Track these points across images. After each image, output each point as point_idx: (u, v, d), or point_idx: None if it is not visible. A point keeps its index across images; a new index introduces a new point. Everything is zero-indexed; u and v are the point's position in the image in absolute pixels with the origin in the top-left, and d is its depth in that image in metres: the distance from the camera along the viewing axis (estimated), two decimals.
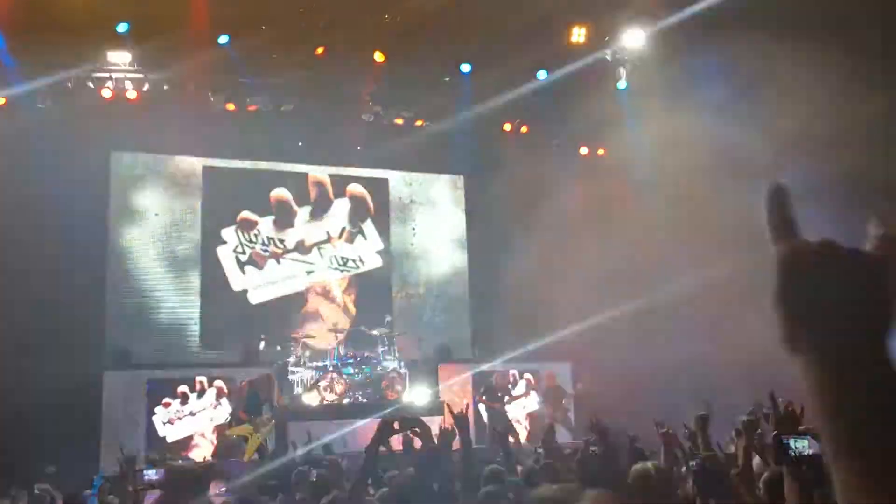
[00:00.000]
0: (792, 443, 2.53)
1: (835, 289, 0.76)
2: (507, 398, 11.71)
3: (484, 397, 11.67)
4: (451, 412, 4.50)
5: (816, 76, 9.47)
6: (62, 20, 10.51)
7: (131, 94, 12.22)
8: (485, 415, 11.70)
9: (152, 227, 12.84)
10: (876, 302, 0.76)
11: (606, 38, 12.56)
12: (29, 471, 7.66)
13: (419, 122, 14.00)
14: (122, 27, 11.35)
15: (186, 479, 4.75)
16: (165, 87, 12.42)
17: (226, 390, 11.06)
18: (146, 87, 12.34)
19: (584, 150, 14.94)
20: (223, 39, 11.92)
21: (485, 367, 12.88)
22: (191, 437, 11.01)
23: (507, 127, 14.47)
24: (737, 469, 3.67)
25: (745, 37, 10.11)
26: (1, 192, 10.79)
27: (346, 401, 11.40)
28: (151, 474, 5.34)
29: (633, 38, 12.64)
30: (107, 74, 12.04)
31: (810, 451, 2.51)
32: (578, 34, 12.52)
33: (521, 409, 12.32)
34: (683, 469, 4.34)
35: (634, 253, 12.69)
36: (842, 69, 9.04)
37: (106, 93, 12.07)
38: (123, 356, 11.44)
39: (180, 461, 8.55)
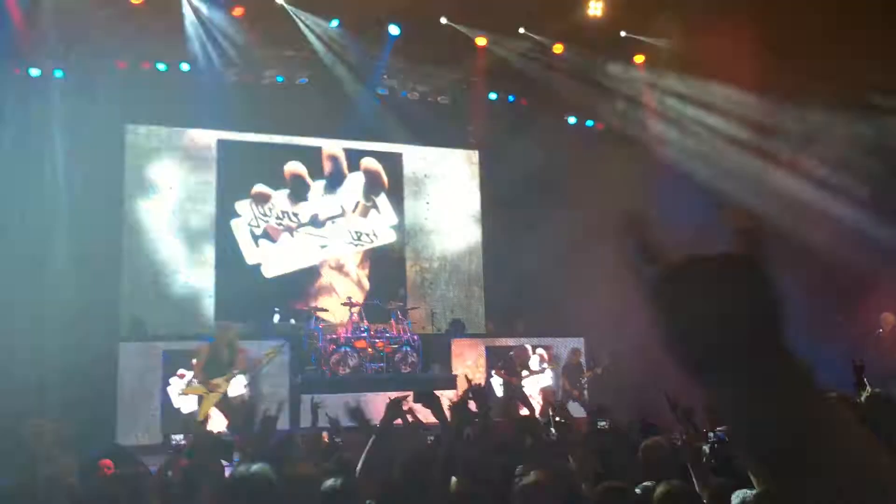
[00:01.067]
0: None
1: (715, 303, 0.73)
2: (525, 373, 11.71)
3: (503, 371, 11.67)
4: (470, 384, 4.50)
5: None
6: None
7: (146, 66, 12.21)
8: (499, 389, 11.73)
9: (167, 200, 12.87)
10: (761, 302, 0.73)
11: (623, 13, 12.38)
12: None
13: (434, 96, 13.92)
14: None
15: (215, 446, 4.80)
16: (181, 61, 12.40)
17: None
18: (163, 59, 12.33)
19: (599, 126, 14.84)
20: (238, 12, 11.88)
21: (498, 342, 12.91)
22: None
23: (523, 101, 14.36)
24: None
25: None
26: (16, 164, 10.84)
27: (359, 374, 11.46)
28: (179, 439, 5.39)
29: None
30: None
31: None
32: (595, 7, 12.37)
33: (535, 383, 12.33)
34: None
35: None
36: None
37: (121, 64, 12.05)
38: (139, 328, 11.52)
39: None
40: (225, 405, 9.19)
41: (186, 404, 10.37)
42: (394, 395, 4.71)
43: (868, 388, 4.22)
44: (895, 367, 9.75)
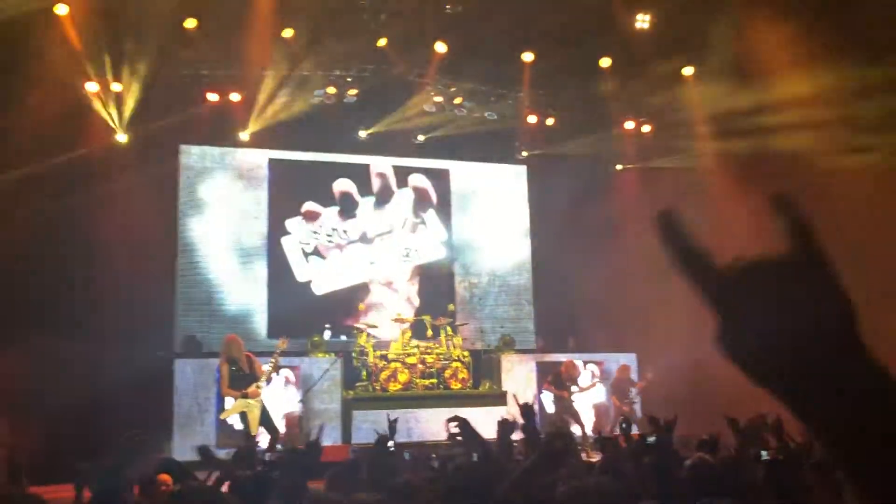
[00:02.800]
0: None
1: (780, 306, 0.69)
2: (574, 388, 11.60)
3: (552, 385, 11.59)
4: (517, 402, 4.48)
5: None
6: (131, 15, 10.79)
7: (212, 96, 12.52)
8: (550, 405, 11.64)
9: (220, 218, 13.10)
10: (824, 300, 0.69)
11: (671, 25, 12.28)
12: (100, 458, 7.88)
13: (481, 112, 13.96)
14: (190, 23, 11.57)
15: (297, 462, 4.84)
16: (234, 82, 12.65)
17: (292, 379, 11.24)
18: (216, 82, 12.60)
19: (648, 136, 14.71)
20: (287, 33, 12.07)
21: (548, 357, 12.83)
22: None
23: (569, 116, 14.31)
24: (813, 460, 3.58)
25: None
26: (75, 188, 11.14)
27: (409, 390, 11.49)
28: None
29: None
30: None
31: None
32: (643, 20, 12.30)
33: (587, 399, 12.22)
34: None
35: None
36: None
37: (176, 87, 12.32)
38: (193, 344, 11.72)
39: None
40: (265, 421, 9.22)
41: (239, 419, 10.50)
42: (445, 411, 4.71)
43: None
44: None
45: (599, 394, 12.53)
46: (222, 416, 9.84)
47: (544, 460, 4.16)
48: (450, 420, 3.75)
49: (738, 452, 4.57)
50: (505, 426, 4.94)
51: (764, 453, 3.77)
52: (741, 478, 4.00)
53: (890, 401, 0.67)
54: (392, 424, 5.12)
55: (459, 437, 3.76)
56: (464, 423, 3.57)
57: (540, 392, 12.16)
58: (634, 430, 10.65)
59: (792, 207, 0.72)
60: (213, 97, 12.57)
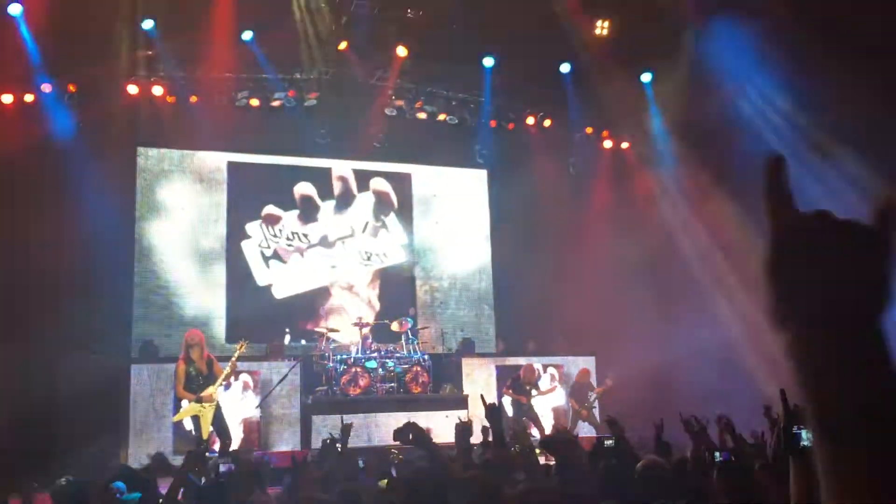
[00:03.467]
0: (804, 433, 2.50)
1: (828, 262, 0.73)
2: (534, 392, 11.67)
3: (511, 390, 11.64)
4: (485, 403, 4.49)
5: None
6: (88, 17, 10.64)
7: (157, 90, 12.31)
8: (510, 408, 11.69)
9: (178, 222, 12.96)
10: (870, 277, 0.73)
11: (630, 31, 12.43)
12: (54, 464, 7.73)
13: (442, 117, 14.00)
14: (147, 24, 11.45)
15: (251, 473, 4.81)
16: (190, 85, 12.53)
17: (251, 384, 11.14)
18: (171, 83, 12.46)
19: (607, 144, 14.87)
20: (247, 36, 12.01)
21: (509, 361, 12.88)
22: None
23: (531, 121, 14.42)
24: (762, 462, 3.64)
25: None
26: (30, 188, 10.95)
27: (369, 394, 11.45)
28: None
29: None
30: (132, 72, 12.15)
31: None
32: (602, 27, 12.45)
33: (546, 403, 12.30)
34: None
35: (659, 244, 12.64)
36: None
37: (132, 89, 12.17)
38: (151, 349, 11.56)
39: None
40: (218, 421, 9.09)
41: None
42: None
43: None
44: None
45: (559, 397, 12.61)
46: (174, 419, 9.68)
47: (499, 463, 4.20)
48: (398, 431, 3.75)
49: (692, 454, 4.64)
50: (462, 430, 4.97)
51: (717, 455, 3.83)
52: (694, 479, 4.06)
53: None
54: (346, 428, 5.09)
55: (408, 444, 3.77)
56: (415, 430, 3.58)
57: (500, 396, 12.20)
58: (592, 433, 10.78)
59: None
60: (171, 99, 12.42)
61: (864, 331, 0.72)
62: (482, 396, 4.87)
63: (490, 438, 5.16)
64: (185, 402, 9.15)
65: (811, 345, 0.73)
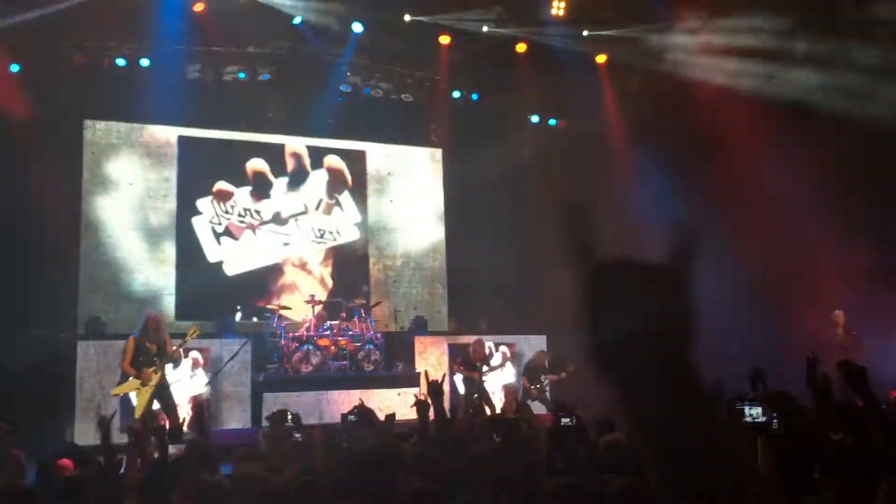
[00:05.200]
0: (747, 409, 2.58)
1: (631, 303, 0.78)
2: (484, 368, 11.71)
3: (462, 367, 11.69)
4: (427, 381, 4.53)
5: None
6: None
7: (105, 61, 12.02)
8: (461, 386, 11.75)
9: (126, 197, 12.72)
10: (673, 310, 0.78)
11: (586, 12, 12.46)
12: None
13: (397, 94, 13.91)
14: None
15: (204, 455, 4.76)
16: (141, 56, 12.27)
17: (201, 361, 11.02)
18: (121, 54, 12.18)
19: (561, 124, 14.95)
20: (199, 7, 11.76)
21: (461, 339, 12.94)
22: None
23: (486, 100, 14.41)
24: None
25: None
26: None
27: (322, 372, 11.43)
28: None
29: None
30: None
31: (763, 419, 2.56)
32: (558, 7, 12.45)
33: (497, 380, 12.39)
34: None
35: (611, 224, 12.76)
36: None
37: (80, 60, 11.87)
38: (98, 326, 11.36)
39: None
40: (165, 400, 8.95)
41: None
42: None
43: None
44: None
45: (508, 374, 12.71)
46: (113, 392, 9.46)
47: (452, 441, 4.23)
48: (348, 413, 3.76)
49: None
50: (421, 406, 5.00)
51: None
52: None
53: (697, 406, 0.76)
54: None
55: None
56: (361, 409, 3.59)
57: (452, 373, 12.27)
58: (543, 411, 10.89)
59: (685, 232, 0.81)
60: (119, 71, 12.14)
61: (673, 360, 0.77)
62: (426, 373, 4.91)
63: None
64: (131, 380, 8.99)
65: (628, 387, 0.78)
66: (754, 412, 2.60)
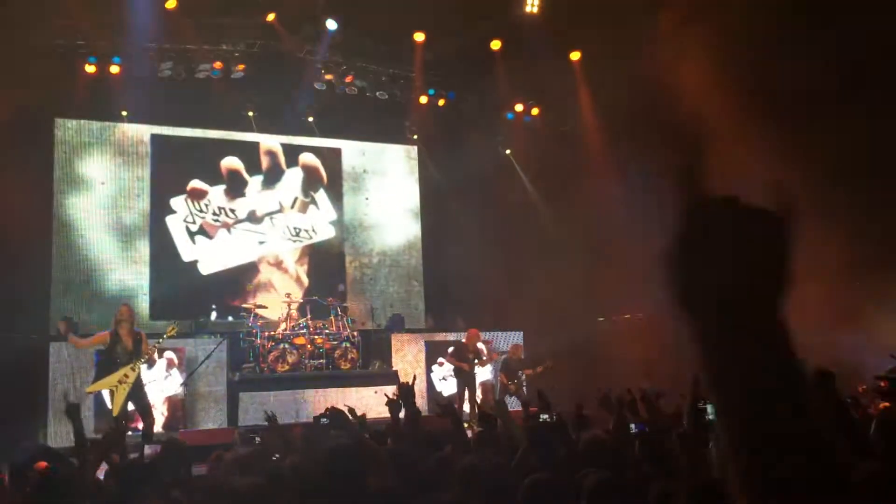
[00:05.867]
0: (709, 408, 2.60)
1: (732, 245, 0.76)
2: (476, 361, 11.64)
3: (452, 357, 11.59)
4: (399, 383, 4.55)
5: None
6: None
7: (76, 59, 11.88)
8: (441, 380, 11.75)
9: (99, 196, 12.60)
10: (772, 261, 0.76)
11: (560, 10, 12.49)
12: None
13: (372, 92, 13.88)
14: None
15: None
16: (112, 54, 12.13)
17: (176, 361, 10.95)
18: (92, 52, 12.04)
19: (537, 122, 14.97)
20: (171, 4, 11.65)
21: (438, 336, 12.96)
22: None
23: (461, 97, 14.41)
24: (679, 430, 3.76)
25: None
26: None
27: (298, 371, 11.39)
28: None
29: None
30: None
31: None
32: (532, 5, 12.47)
33: (476, 377, 12.39)
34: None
35: (588, 223, 12.82)
36: None
37: (51, 58, 11.71)
38: (70, 326, 11.22)
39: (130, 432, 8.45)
40: (139, 401, 8.86)
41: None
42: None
43: None
44: None
45: (486, 371, 12.74)
46: (87, 390, 9.38)
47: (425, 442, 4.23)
48: (321, 416, 3.76)
49: (615, 427, 4.76)
50: (393, 406, 5.00)
51: (632, 426, 3.95)
52: (621, 450, 4.17)
53: (785, 375, 0.74)
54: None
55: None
56: (337, 414, 3.59)
57: (429, 370, 12.28)
58: (519, 407, 10.91)
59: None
60: (90, 69, 12.00)
61: (764, 317, 0.74)
62: (396, 374, 4.92)
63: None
64: (106, 378, 8.89)
65: (715, 330, 0.75)
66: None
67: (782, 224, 0.77)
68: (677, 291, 0.77)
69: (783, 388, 0.73)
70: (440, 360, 12.24)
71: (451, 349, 11.81)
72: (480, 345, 11.89)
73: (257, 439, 5.31)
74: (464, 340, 11.68)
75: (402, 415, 4.79)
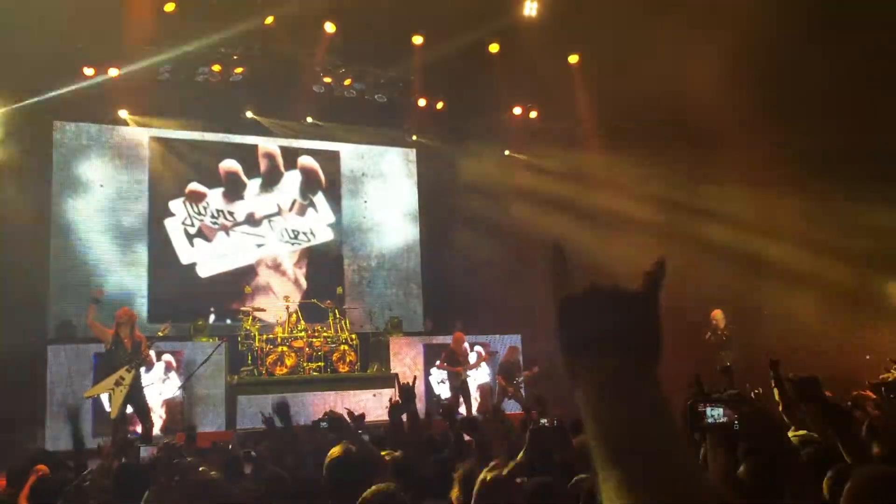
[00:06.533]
0: (708, 411, 2.60)
1: (601, 324, 0.85)
2: (467, 364, 11.69)
3: (447, 363, 11.64)
4: (399, 385, 4.55)
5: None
6: None
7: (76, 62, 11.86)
8: (440, 385, 11.74)
9: (98, 199, 12.59)
10: (639, 333, 0.84)
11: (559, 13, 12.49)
12: None
13: (371, 95, 13.87)
14: None
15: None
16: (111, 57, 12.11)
17: (174, 364, 10.94)
18: (91, 55, 12.02)
19: (535, 124, 14.97)
20: (170, 7, 11.64)
21: (436, 339, 12.95)
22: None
23: (459, 100, 14.39)
24: None
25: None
26: None
27: (296, 374, 11.39)
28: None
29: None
30: None
31: (724, 420, 2.58)
32: (531, 7, 12.47)
33: (473, 380, 12.40)
34: None
35: (586, 224, 12.83)
36: None
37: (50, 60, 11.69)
38: (68, 330, 11.23)
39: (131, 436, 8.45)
40: (138, 403, 8.86)
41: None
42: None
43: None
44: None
45: (483, 374, 12.74)
46: (86, 394, 9.39)
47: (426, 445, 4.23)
48: (320, 420, 3.77)
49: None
50: (395, 408, 5.00)
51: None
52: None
53: (661, 419, 0.81)
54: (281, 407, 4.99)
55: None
56: (336, 419, 3.59)
57: (428, 374, 12.27)
58: (518, 410, 10.92)
59: (660, 269, 0.88)
60: (89, 71, 11.99)
61: (639, 384, 0.82)
62: (397, 377, 4.92)
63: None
64: (104, 381, 8.89)
65: (596, 397, 0.84)
66: (716, 413, 2.62)
67: (643, 299, 0.86)
68: (566, 370, 0.87)
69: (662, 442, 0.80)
70: (437, 362, 12.23)
71: (443, 355, 11.85)
72: (466, 346, 11.93)
73: (253, 453, 5.30)
74: (451, 345, 11.71)
75: (404, 418, 4.80)
